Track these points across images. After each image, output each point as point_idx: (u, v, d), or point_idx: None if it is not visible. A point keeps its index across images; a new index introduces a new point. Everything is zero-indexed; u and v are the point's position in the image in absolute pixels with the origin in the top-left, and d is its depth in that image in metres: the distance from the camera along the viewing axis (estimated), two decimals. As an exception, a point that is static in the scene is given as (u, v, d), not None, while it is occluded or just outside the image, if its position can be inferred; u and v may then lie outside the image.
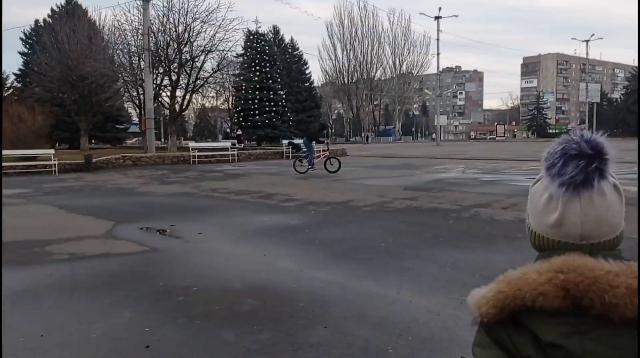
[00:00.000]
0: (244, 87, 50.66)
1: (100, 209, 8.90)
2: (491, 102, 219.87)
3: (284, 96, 53.01)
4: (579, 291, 0.93)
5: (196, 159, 21.49)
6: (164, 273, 4.88)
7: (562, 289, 0.94)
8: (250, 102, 50.11)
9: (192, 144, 23.23)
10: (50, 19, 40.99)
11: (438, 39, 51.13)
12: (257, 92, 49.91)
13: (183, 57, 25.49)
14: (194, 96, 27.07)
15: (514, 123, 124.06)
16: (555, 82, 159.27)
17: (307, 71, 69.53)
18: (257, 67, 50.25)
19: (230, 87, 62.38)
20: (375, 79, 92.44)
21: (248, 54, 51.26)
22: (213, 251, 5.85)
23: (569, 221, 0.99)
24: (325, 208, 9.02)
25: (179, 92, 26.39)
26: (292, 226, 7.30)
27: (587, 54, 70.59)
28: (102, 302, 4.00)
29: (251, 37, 51.33)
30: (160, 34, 25.31)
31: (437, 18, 50.72)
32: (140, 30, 23.50)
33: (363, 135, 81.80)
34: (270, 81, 50.62)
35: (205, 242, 6.32)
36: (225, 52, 25.28)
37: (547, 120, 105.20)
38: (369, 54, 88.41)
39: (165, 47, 25.75)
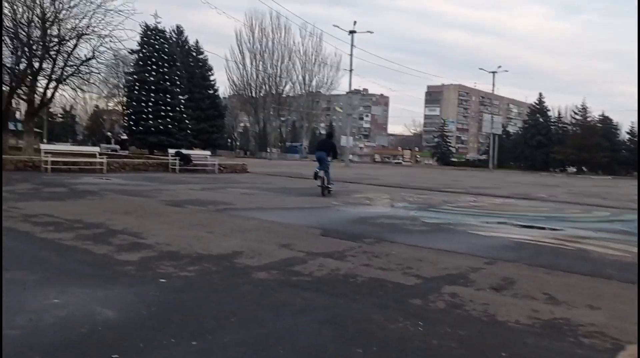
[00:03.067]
0: (137, 88, 45.14)
1: None
2: (395, 127, 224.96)
3: (182, 101, 47.95)
4: None
5: (48, 166, 16.48)
6: None
7: None
8: (143, 104, 44.66)
9: (44, 146, 18.11)
10: None
11: (351, 55, 48.77)
12: (152, 94, 44.64)
13: (48, 39, 20.32)
14: (63, 89, 21.78)
15: (416, 149, 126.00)
16: (457, 112, 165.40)
17: (212, 78, 64.78)
18: (154, 67, 45.11)
19: (122, 86, 56.41)
20: (284, 93, 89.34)
21: (144, 50, 46.00)
22: None
23: None
24: (189, 269, 5.07)
25: (41, 83, 21.11)
26: (95, 332, 3.25)
27: (493, 84, 72.15)
28: None
29: (148, 33, 46.10)
30: (19, 5, 20.02)
31: (352, 32, 48.38)
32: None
33: (269, 150, 77.94)
34: (168, 83, 45.52)
35: None
36: (104, 37, 20.45)
37: (450, 148, 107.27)
38: (278, 67, 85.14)
39: (26, 24, 20.48)
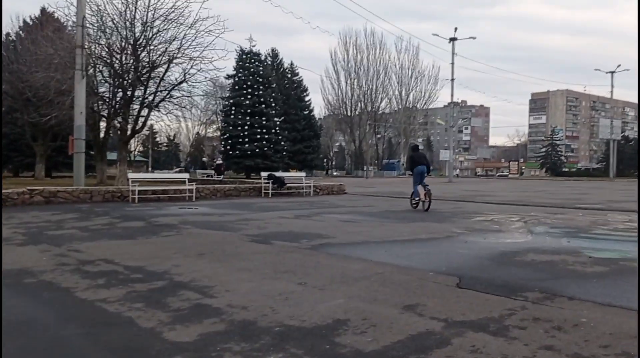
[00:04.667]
0: (233, 112, 45.17)
1: None
2: (496, 138, 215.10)
3: (278, 123, 47.36)
4: None
5: (136, 196, 15.54)
6: None
7: None
8: (239, 128, 44.51)
9: (132, 175, 17.30)
10: (21, 31, 35.78)
11: (453, 63, 45.75)
12: (247, 118, 44.38)
13: (140, 64, 19.81)
14: (156, 114, 21.26)
15: (521, 160, 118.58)
16: (565, 119, 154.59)
17: (307, 99, 64.31)
18: (249, 90, 44.89)
19: (219, 111, 57.19)
20: (380, 110, 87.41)
21: (240, 74, 46.03)
22: None
23: None
24: (270, 353, 3.17)
25: (133, 110, 20.65)
26: None
27: (612, 85, 65.42)
28: None
29: (244, 57, 46.12)
30: (111, 31, 19.71)
31: (452, 40, 45.47)
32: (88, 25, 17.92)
33: (365, 169, 76.00)
34: (264, 106, 45.09)
35: None
36: (195, 60, 19.61)
37: (561, 157, 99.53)
38: (374, 83, 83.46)
39: (119, 52, 20.16)
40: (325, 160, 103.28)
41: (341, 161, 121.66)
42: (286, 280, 5.46)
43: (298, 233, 8.96)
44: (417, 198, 14.43)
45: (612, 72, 63.49)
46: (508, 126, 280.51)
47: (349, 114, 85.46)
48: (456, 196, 20.97)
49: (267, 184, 19.18)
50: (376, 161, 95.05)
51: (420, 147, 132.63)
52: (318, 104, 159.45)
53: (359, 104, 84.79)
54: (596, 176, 75.29)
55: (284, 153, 47.69)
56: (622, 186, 36.05)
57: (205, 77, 20.51)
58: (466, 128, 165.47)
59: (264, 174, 19.76)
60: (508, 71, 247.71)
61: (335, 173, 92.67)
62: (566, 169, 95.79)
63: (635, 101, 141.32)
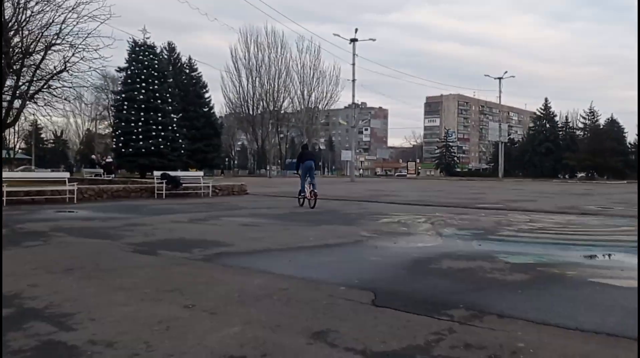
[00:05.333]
0: (125, 107, 42.44)
1: None
2: (394, 140, 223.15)
3: (175, 120, 45.20)
4: None
5: (4, 198, 13.52)
6: None
7: None
8: (132, 124, 41.89)
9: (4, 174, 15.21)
10: None
11: (354, 64, 46.06)
12: (141, 113, 41.87)
13: (10, 50, 17.51)
14: (33, 107, 18.92)
15: (417, 160, 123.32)
16: (457, 122, 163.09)
17: (207, 95, 62.18)
18: (143, 84, 42.39)
19: (110, 107, 53.73)
20: (283, 109, 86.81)
21: (133, 67, 43.31)
22: None
23: None
24: None
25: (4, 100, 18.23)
26: None
27: (499, 90, 69.50)
28: None
29: (137, 49, 43.48)
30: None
31: (353, 41, 45.75)
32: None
33: (268, 168, 75.11)
34: (159, 101, 42.78)
35: None
36: (77, 48, 17.66)
37: (454, 159, 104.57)
38: (276, 82, 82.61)
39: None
40: (227, 159, 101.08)
41: (244, 160, 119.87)
42: (170, 301, 4.48)
43: (191, 240, 7.92)
44: (302, 194, 14.98)
45: (500, 79, 67.59)
46: (405, 128, 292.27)
47: (251, 112, 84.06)
48: (361, 196, 20.70)
49: (161, 185, 17.72)
50: (279, 161, 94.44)
51: (322, 147, 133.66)
52: (219, 102, 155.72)
53: (261, 103, 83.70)
54: (486, 176, 79.65)
55: (182, 151, 45.57)
56: (512, 186, 38.04)
57: (90, 67, 18.57)
58: (366, 129, 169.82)
59: (157, 173, 18.24)
60: (405, 73, 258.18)
61: (238, 172, 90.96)
62: (459, 170, 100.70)
63: (518, 106, 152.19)
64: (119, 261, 6.19)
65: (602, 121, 75.39)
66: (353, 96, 46.75)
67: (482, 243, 7.79)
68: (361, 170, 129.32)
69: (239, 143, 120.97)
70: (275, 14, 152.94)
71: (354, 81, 46.52)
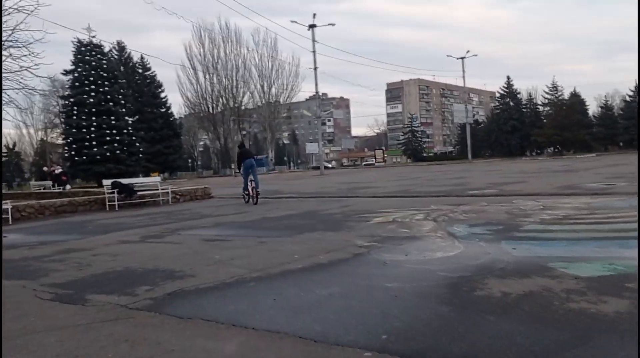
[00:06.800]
0: (75, 112, 39.63)
1: None
2: (357, 129, 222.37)
3: (131, 122, 42.57)
4: None
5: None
6: None
7: None
8: (84, 130, 39.13)
9: None
10: None
11: (314, 51, 44.16)
12: (93, 118, 39.12)
13: None
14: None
15: (383, 148, 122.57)
16: (419, 106, 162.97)
17: (163, 95, 59.36)
18: (93, 86, 39.60)
19: (60, 113, 50.51)
20: (243, 105, 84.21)
21: (80, 69, 40.44)
22: None
23: None
24: None
25: None
26: None
27: (463, 70, 68.87)
28: None
29: (82, 49, 40.62)
30: None
31: (312, 27, 43.78)
32: None
33: (233, 167, 72.65)
34: (111, 103, 40.09)
35: None
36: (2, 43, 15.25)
37: (421, 144, 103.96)
38: (234, 77, 79.94)
39: None
40: (190, 161, 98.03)
41: (207, 160, 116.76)
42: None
43: (138, 271, 5.96)
44: (246, 192, 15.26)
45: (463, 58, 66.63)
46: (368, 116, 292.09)
47: (210, 110, 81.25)
48: (336, 191, 18.92)
49: (112, 195, 15.55)
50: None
51: (286, 141, 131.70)
52: (178, 103, 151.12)
53: (221, 100, 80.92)
54: (454, 159, 79.08)
55: (140, 155, 42.91)
56: (486, 167, 36.91)
57: (21, 67, 16.16)
58: (329, 120, 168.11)
59: (106, 182, 16.02)
60: (366, 58, 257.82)
61: (202, 173, 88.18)
62: (425, 155, 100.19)
63: (478, 87, 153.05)
64: (24, 322, 4.21)
65: (565, 96, 75.68)
66: (316, 84, 45.06)
67: (515, 246, 6.08)
68: (333, 161, 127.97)
69: (201, 143, 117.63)
70: (226, 9, 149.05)
71: (315, 69, 44.67)
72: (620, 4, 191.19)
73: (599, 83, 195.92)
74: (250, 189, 14.85)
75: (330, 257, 6.08)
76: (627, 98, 76.10)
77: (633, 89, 73.74)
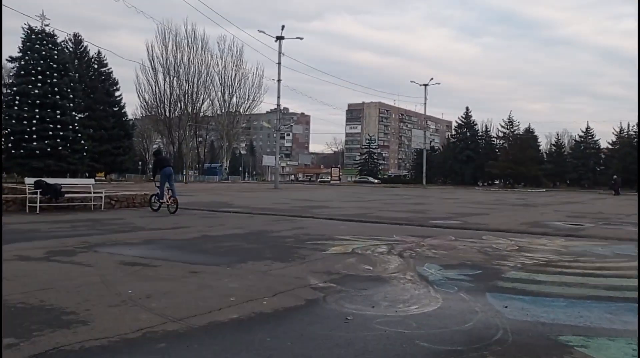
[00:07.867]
0: (17, 102, 37.02)
1: None
2: (315, 146, 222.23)
3: (78, 118, 40.15)
4: None
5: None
6: None
7: None
8: (25, 122, 36.57)
9: None
10: None
11: (280, 63, 42.89)
12: (36, 110, 36.63)
13: None
14: None
15: (339, 166, 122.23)
16: (378, 129, 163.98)
17: (118, 94, 56.77)
18: (39, 77, 37.16)
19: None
20: (202, 112, 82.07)
21: (27, 57, 37.97)
22: None
23: None
24: None
25: None
26: None
27: (425, 97, 68.89)
28: None
29: (33, 37, 38.18)
30: None
31: (280, 38, 42.64)
32: None
33: (184, 173, 70.29)
34: (58, 97, 37.68)
35: None
36: None
37: (377, 165, 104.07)
38: (195, 83, 77.95)
39: None
40: (140, 163, 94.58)
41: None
42: None
43: (14, 307, 4.43)
44: (161, 201, 14.68)
45: (426, 85, 66.97)
46: (327, 134, 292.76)
47: (167, 114, 78.74)
48: (290, 209, 17.57)
49: (35, 196, 13.70)
50: (197, 165, 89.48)
51: (243, 152, 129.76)
52: (133, 104, 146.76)
53: (179, 104, 78.68)
54: (409, 183, 79.19)
55: (85, 154, 40.43)
56: (442, 194, 36.39)
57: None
58: (288, 134, 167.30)
59: (28, 180, 14.15)
60: (329, 77, 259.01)
61: (150, 177, 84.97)
62: (380, 176, 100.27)
63: (436, 115, 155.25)
64: None
65: (520, 131, 77.15)
66: (278, 97, 43.58)
67: (505, 302, 4.92)
68: (292, 176, 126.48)
69: (155, 146, 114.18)
70: (193, 14, 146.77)
71: (279, 81, 43.37)
72: (575, 49, 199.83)
73: (549, 121, 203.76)
74: (167, 199, 14.45)
75: (276, 303, 4.74)
76: (577, 138, 78.73)
77: (583, 130, 76.50)
